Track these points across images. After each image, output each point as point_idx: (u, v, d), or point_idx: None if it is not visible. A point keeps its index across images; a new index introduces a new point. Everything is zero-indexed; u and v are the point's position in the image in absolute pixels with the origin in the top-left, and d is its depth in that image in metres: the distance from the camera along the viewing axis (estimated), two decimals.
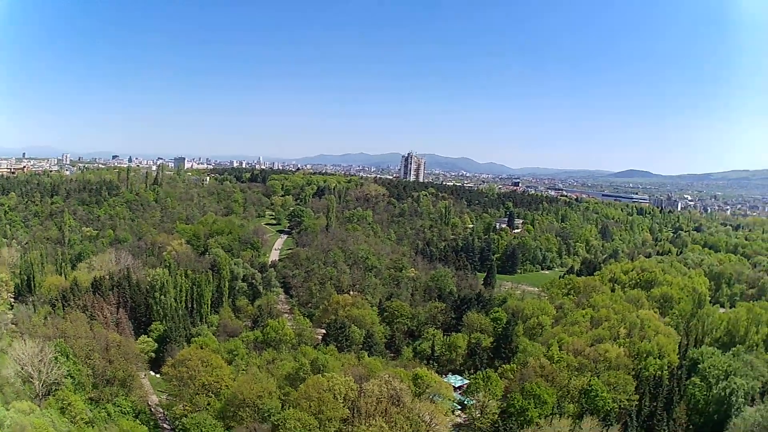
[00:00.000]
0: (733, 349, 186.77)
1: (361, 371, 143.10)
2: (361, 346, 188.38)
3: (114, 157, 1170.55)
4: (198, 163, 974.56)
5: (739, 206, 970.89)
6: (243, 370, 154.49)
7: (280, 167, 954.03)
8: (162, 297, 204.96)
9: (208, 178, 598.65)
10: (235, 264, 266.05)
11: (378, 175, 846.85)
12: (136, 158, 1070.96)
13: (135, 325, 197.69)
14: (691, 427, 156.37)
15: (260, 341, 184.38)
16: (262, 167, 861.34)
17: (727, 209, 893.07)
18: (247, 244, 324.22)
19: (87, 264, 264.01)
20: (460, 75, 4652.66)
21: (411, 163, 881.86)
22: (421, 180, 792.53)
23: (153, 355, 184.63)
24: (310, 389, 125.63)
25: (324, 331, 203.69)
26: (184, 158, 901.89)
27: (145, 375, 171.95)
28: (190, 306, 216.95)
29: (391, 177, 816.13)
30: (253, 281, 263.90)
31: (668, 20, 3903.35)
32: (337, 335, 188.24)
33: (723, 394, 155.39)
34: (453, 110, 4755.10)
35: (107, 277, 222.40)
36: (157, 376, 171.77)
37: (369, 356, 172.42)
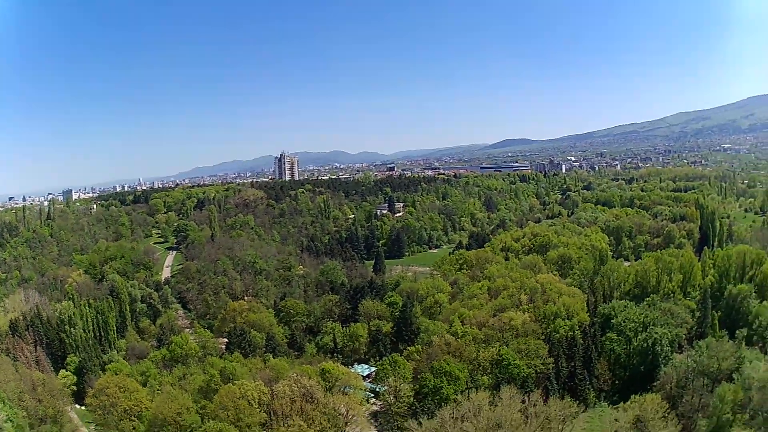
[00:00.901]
0: (647, 299, 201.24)
1: (269, 374, 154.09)
2: (264, 349, 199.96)
3: (10, 198, 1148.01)
4: (84, 193, 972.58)
5: (629, 160, 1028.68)
6: (158, 390, 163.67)
7: (160, 185, 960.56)
8: (72, 329, 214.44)
9: (95, 206, 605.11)
10: (131, 287, 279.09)
11: (254, 180, 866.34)
12: (29, 196, 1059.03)
13: (53, 360, 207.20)
14: (616, 382, 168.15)
15: (168, 359, 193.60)
16: (143, 188, 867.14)
17: (616, 164, 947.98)
18: (140, 265, 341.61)
19: (1, 307, 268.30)
20: (320, 70, 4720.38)
21: (285, 163, 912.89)
22: (296, 178, 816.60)
23: (74, 388, 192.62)
24: (225, 399, 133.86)
25: (226, 340, 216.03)
26: (71, 190, 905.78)
27: (71, 409, 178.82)
28: (98, 334, 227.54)
29: (267, 179, 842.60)
30: (151, 301, 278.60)
31: None
32: (240, 342, 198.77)
33: (645, 345, 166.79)
34: (319, 106, 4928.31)
35: (21, 317, 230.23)
36: (82, 408, 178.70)
37: (274, 358, 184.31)
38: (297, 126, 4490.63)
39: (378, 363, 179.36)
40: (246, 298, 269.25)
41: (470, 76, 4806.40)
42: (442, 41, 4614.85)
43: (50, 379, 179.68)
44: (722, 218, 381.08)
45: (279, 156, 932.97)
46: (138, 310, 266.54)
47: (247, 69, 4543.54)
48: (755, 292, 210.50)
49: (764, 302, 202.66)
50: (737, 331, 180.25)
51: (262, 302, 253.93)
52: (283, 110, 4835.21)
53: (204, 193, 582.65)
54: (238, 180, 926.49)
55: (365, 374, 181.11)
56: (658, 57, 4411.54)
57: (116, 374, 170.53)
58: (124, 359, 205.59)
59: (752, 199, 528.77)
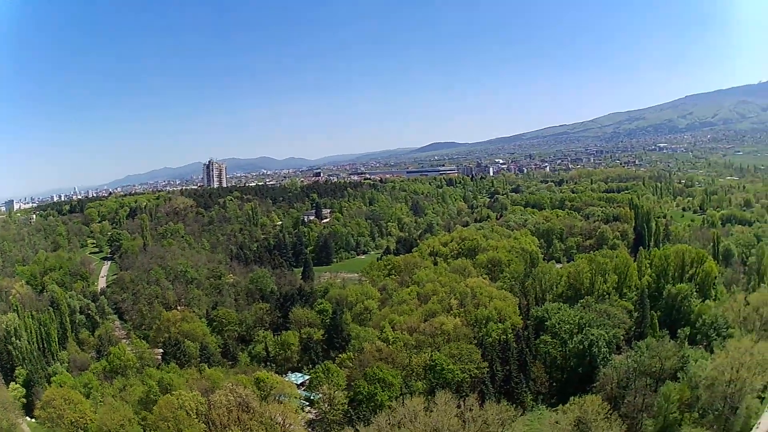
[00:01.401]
0: (581, 301, 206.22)
1: (205, 384, 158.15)
2: (199, 359, 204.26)
3: None
4: (25, 203, 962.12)
5: (559, 161, 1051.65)
6: (100, 401, 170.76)
7: (94, 194, 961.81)
8: (18, 341, 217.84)
9: (34, 216, 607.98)
10: (70, 297, 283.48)
11: (183, 187, 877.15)
12: None
13: (3, 373, 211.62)
14: (554, 384, 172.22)
15: (108, 370, 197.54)
16: (79, 197, 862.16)
17: (546, 166, 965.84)
18: (77, 275, 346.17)
19: None
20: (241, 75, 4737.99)
21: (213, 170, 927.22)
22: (224, 185, 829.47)
23: (24, 400, 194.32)
24: (164, 410, 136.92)
25: (161, 350, 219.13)
26: (12, 200, 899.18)
27: (23, 421, 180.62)
28: (41, 346, 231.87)
29: (195, 187, 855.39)
30: (90, 312, 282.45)
31: None
32: (175, 352, 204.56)
33: (581, 347, 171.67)
34: (244, 111, 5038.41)
35: None
36: (33, 420, 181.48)
37: (209, 368, 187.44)
38: (225, 132, 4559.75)
39: (311, 371, 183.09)
40: (179, 307, 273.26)
41: (396, 80, 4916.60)
42: (361, 44, 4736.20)
43: (1, 391, 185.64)
44: (658, 218, 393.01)
45: (207, 163, 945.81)
46: (77, 321, 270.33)
47: (170, 76, 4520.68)
48: (696, 291, 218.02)
49: (707, 301, 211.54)
50: (679, 331, 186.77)
51: (194, 311, 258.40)
52: (210, 116, 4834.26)
53: (136, 202, 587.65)
54: (168, 188, 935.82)
55: (299, 382, 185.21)
56: (589, 58, 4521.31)
57: (61, 386, 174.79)
58: (67, 371, 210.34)
59: (690, 198, 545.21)
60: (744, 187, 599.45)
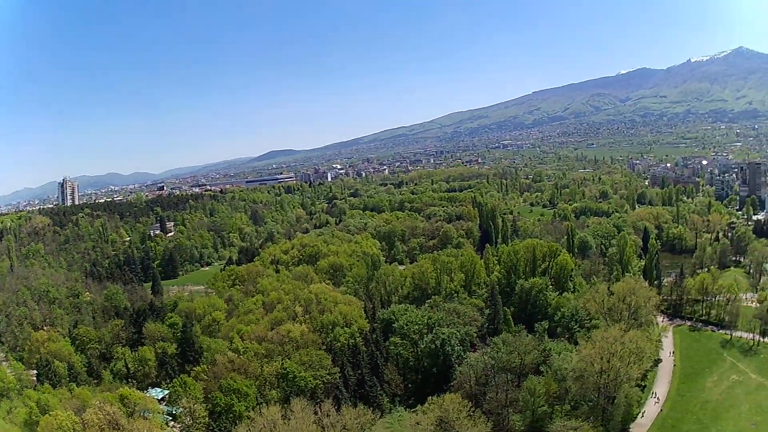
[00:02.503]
0: (429, 301, 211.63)
1: (77, 403, 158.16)
2: (68, 379, 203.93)
3: None
4: None
5: (398, 164, 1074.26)
6: None
7: None
8: None
9: None
10: None
11: (41, 206, 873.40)
12: None
13: None
14: (409, 386, 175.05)
15: None
16: None
17: (385, 169, 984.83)
18: None
19: None
20: (79, 87, 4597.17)
21: (66, 189, 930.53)
22: (77, 203, 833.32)
23: None
24: (45, 431, 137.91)
25: (35, 371, 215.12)
26: None
27: None
28: None
29: (52, 206, 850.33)
30: None
31: None
32: (47, 373, 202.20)
33: (433, 346, 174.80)
34: (89, 126, 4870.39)
35: None
36: None
37: (77, 387, 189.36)
38: (77, 149, 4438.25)
39: (169, 385, 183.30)
40: (45, 327, 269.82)
41: (231, 86, 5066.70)
42: (185, 55, 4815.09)
43: None
44: (504, 214, 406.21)
45: (62, 181, 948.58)
46: None
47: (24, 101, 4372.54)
48: (553, 284, 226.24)
49: (565, 294, 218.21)
50: (536, 325, 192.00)
51: (58, 331, 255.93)
52: (64, 133, 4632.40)
53: (2, 223, 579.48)
54: (28, 208, 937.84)
55: (159, 397, 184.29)
56: (424, 60, 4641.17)
57: None
58: None
59: (539, 193, 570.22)
60: (600, 178, 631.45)
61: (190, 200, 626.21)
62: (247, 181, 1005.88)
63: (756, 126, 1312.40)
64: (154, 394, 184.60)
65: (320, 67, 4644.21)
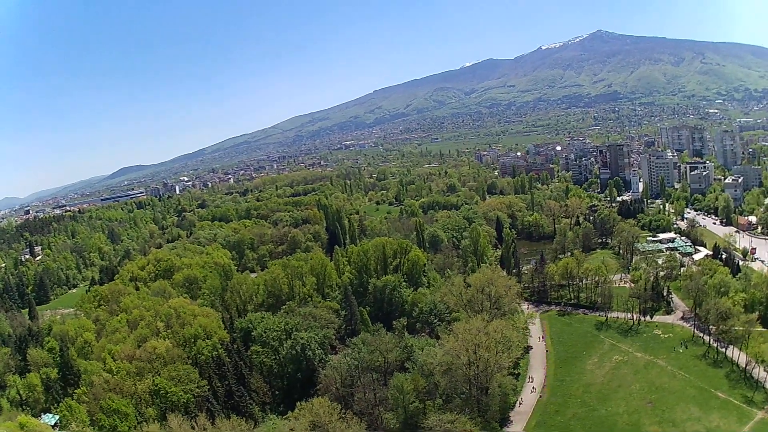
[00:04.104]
0: (284, 307, 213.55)
1: None
2: None
3: None
4: None
5: (242, 172, 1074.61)
6: None
7: None
8: None
9: None
10: None
11: None
12: None
13: None
14: (277, 393, 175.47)
15: None
16: None
17: (230, 178, 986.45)
18: None
19: None
20: None
21: None
22: None
23: None
24: None
25: None
26: None
27: None
28: None
29: None
30: None
31: None
32: None
33: (294, 351, 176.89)
34: None
35: None
36: None
37: None
38: None
39: (58, 410, 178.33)
40: None
41: (76, 104, 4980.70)
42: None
43: None
44: (350, 215, 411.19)
45: None
46: None
47: None
48: (406, 280, 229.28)
49: (420, 289, 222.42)
50: (395, 322, 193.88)
51: None
52: None
53: None
54: None
55: (53, 423, 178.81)
56: (265, 59, 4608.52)
57: None
58: None
59: (384, 192, 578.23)
60: (446, 172, 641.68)
61: (53, 223, 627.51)
62: (101, 199, 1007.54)
63: (617, 108, 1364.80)
64: (47, 420, 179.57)
65: (153, 78, 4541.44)
